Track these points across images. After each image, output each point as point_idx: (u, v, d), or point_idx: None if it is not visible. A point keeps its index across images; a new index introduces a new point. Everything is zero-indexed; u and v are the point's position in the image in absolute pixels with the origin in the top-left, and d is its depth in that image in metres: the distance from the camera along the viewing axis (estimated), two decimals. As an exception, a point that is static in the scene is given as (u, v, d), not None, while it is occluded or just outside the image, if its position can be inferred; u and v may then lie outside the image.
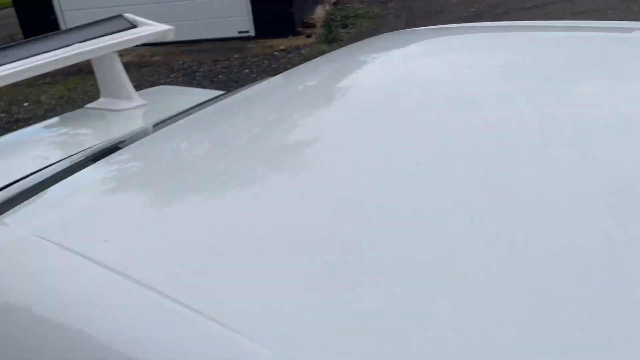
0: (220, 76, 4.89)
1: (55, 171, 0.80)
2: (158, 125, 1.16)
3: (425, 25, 1.38)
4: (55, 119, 1.73)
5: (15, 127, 4.15)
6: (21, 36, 5.92)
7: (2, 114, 4.37)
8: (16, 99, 4.58)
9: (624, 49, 0.91)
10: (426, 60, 0.98)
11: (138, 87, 1.77)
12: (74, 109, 4.41)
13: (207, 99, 1.39)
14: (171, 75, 4.98)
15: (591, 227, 0.48)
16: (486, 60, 0.91)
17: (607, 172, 0.54)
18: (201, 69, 5.12)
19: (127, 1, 5.37)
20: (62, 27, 5.79)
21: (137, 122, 1.48)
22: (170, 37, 1.63)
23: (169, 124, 0.94)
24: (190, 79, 4.88)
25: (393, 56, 1.08)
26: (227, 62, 5.24)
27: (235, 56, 5.36)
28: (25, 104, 4.54)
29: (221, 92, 1.48)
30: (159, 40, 1.64)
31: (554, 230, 0.48)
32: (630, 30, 0.99)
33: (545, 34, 1.05)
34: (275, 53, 5.33)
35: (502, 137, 0.63)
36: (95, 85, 4.97)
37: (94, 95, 4.65)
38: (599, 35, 1.02)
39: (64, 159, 0.90)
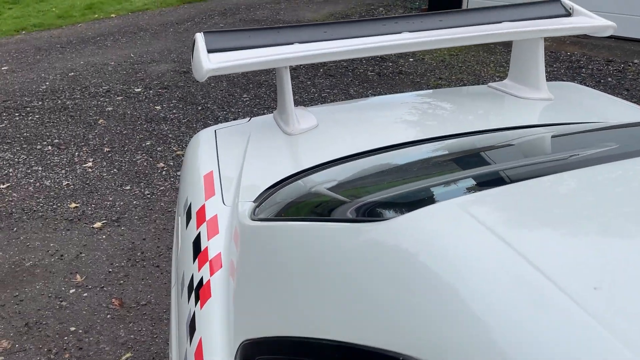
0: (609, 79, 4.36)
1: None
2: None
3: None
4: (457, 89, 1.78)
5: (397, 77, 4.57)
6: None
7: (391, 64, 4.85)
8: (404, 53, 5.01)
9: None
10: None
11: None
12: (449, 73, 4.60)
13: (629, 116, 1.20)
14: (554, 65, 4.68)
15: None
16: None
17: None
18: (589, 66, 4.66)
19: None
20: (464, 5, 5.97)
21: (541, 119, 1.40)
22: (608, 34, 1.45)
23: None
24: (572, 74, 4.50)
25: None
26: (622, 65, 4.63)
27: (635, 61, 4.68)
28: (411, 59, 4.94)
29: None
30: (592, 34, 1.49)
31: None
32: None
33: None
34: (689, 69, 4.46)
35: None
36: (475, 56, 5.07)
37: (471, 66, 4.76)
38: None
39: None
